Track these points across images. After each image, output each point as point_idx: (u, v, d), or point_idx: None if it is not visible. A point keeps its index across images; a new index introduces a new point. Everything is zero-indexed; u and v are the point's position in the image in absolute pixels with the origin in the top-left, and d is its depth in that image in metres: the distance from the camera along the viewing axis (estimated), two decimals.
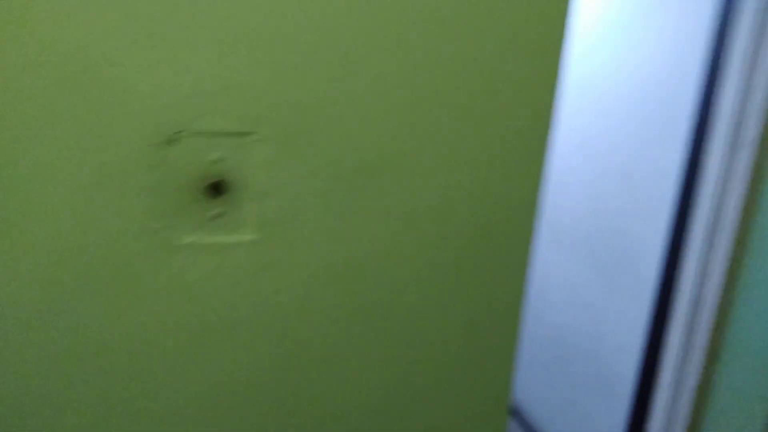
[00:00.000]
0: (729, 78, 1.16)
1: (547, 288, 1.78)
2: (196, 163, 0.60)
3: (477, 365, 0.81)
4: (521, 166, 0.74)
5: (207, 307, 0.66)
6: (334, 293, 0.70)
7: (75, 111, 0.56)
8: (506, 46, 0.68)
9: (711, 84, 1.19)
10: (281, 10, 0.59)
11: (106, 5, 0.55)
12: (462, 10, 0.65)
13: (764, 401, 1.16)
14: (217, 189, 0.62)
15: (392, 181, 0.68)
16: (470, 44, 0.67)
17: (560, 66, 0.71)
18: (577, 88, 1.64)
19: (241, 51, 0.59)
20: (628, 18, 1.44)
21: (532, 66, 0.70)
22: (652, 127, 1.38)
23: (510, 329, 0.81)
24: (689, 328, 1.29)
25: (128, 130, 0.57)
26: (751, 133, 1.11)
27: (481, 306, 0.78)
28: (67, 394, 0.65)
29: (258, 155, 0.62)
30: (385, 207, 0.69)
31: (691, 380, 1.28)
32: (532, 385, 1.88)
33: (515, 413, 1.99)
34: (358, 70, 0.63)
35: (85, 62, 0.55)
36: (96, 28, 0.55)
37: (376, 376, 0.76)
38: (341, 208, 0.68)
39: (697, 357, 1.27)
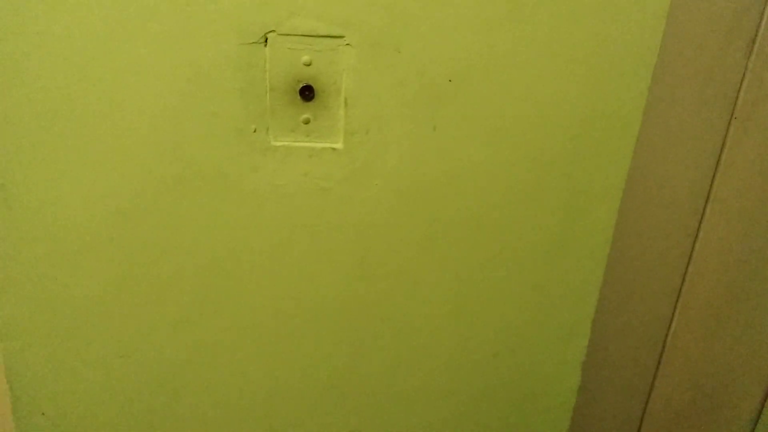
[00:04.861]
0: None
1: None
2: (288, 65, 0.62)
3: (560, 296, 0.80)
4: (625, 81, 0.70)
5: (294, 211, 0.69)
6: (418, 206, 0.71)
7: (167, 6, 0.59)
8: None
9: None
10: None
11: None
12: None
13: None
14: (308, 93, 0.63)
15: (482, 94, 0.68)
16: None
17: None
18: None
19: None
20: None
21: None
22: None
23: (598, 256, 0.80)
24: None
25: (221, 28, 0.59)
26: None
27: (572, 230, 0.76)
28: (157, 287, 0.70)
29: (347, 60, 0.63)
30: (474, 121, 0.68)
31: None
32: None
33: None
34: None
35: None
36: None
37: (453, 294, 0.77)
38: (428, 119, 0.68)
39: None
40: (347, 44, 0.62)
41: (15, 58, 0.59)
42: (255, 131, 0.64)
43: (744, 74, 0.88)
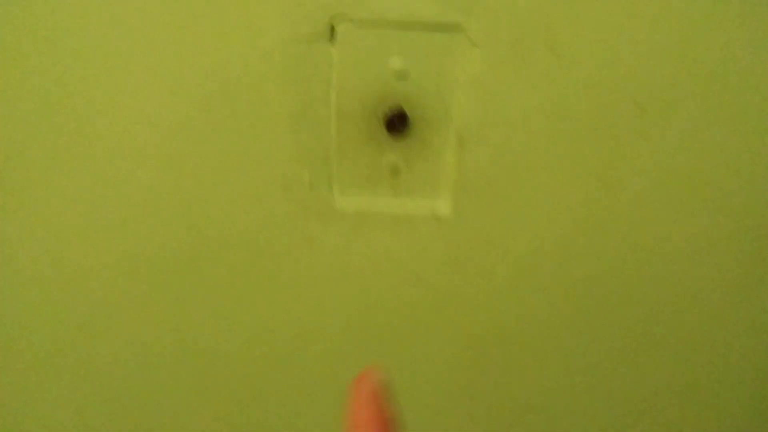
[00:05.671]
0: None
1: None
2: (369, 74, 0.37)
3: None
4: None
5: (374, 298, 0.43)
6: (568, 311, 0.44)
7: None
8: None
9: None
10: None
11: None
12: None
13: None
14: (398, 123, 0.38)
15: (691, 129, 0.40)
16: None
17: None
18: None
19: None
20: None
21: None
22: None
23: None
24: None
25: (263, 12, 0.35)
26: None
27: None
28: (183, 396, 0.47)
29: (466, 67, 0.37)
30: (675, 173, 0.40)
31: None
32: None
33: None
34: None
35: None
36: None
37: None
38: (598, 170, 0.40)
39: None
40: (469, 40, 0.36)
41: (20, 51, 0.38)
42: (311, 185, 0.39)
43: None
